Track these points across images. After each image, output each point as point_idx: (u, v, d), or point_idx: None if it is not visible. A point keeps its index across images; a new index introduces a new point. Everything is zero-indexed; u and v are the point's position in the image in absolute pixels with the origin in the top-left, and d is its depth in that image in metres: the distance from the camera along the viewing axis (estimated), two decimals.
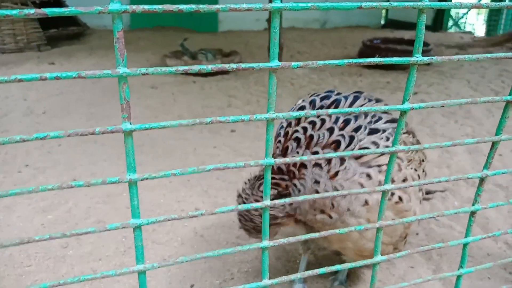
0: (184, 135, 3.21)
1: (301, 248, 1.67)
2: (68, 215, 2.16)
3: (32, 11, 0.54)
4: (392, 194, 1.28)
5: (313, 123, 1.31)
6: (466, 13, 9.23)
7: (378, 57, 0.77)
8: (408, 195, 1.33)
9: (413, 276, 1.74)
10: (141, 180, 0.69)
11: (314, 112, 0.73)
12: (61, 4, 6.79)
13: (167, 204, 2.28)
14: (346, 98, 1.38)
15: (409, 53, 4.99)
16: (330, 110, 0.75)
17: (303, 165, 1.28)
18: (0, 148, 2.86)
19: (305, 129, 1.31)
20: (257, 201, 1.35)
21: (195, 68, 0.64)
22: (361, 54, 5.33)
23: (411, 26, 8.48)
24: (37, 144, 2.95)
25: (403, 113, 0.80)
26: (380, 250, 1.37)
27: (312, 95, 1.46)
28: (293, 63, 0.71)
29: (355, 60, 0.72)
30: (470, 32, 8.57)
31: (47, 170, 2.61)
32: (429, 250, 1.06)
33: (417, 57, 0.74)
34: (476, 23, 9.24)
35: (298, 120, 1.35)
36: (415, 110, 3.56)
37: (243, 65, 0.67)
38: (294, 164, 1.30)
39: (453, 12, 8.52)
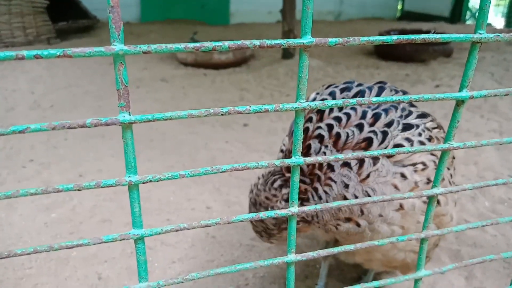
0: (195, 129, 3.08)
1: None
2: (72, 213, 2.05)
3: None
4: None
5: (338, 119, 1.14)
6: None
7: (434, 32, 0.63)
8: (446, 198, 1.18)
9: (444, 284, 1.60)
10: (143, 182, 0.56)
11: (355, 100, 0.60)
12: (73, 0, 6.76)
13: (177, 202, 2.15)
14: (370, 89, 1.21)
15: (429, 45, 4.79)
16: (374, 99, 0.61)
17: (330, 167, 1.11)
18: (5, 143, 2.75)
19: (330, 126, 1.14)
20: (267, 198, 1.22)
21: (209, 45, 0.51)
22: (379, 47, 5.13)
23: (428, 18, 8.25)
24: (43, 138, 2.85)
25: (460, 102, 0.66)
26: (413, 260, 1.23)
27: (328, 86, 1.28)
28: (329, 40, 0.58)
29: (406, 36, 0.59)
30: (488, 24, 8.32)
31: (52, 166, 2.51)
32: (480, 263, 0.92)
33: (481, 34, 0.60)
34: (494, 15, 8.96)
35: (321, 116, 1.17)
36: (438, 104, 3.38)
37: (267, 42, 0.54)
38: (320, 167, 1.13)
39: (470, 3, 8.24)
